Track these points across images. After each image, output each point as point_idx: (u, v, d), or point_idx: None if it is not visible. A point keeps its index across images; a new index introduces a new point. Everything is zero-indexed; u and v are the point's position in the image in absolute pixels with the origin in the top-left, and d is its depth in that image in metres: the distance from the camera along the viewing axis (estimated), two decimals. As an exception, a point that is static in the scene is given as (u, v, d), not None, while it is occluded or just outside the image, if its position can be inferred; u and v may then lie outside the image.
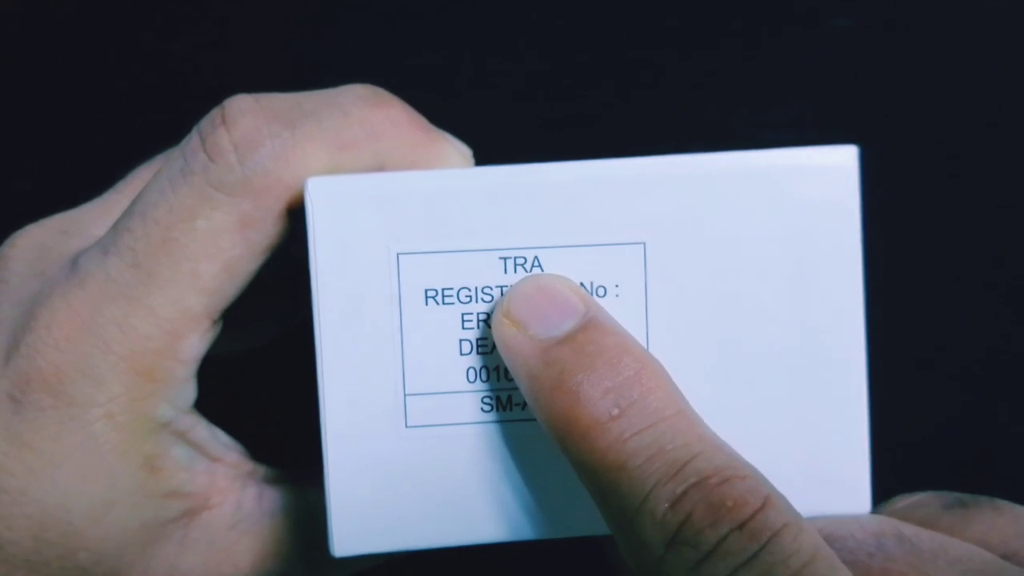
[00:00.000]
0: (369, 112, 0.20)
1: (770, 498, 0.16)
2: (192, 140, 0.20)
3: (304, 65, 0.31)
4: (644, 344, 0.19)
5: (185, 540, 0.21)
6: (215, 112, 0.20)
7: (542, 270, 0.19)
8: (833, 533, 0.18)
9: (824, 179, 0.19)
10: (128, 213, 0.20)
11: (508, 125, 0.31)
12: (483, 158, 0.23)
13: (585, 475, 0.18)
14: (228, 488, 0.22)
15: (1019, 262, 0.32)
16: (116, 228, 0.20)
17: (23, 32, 0.32)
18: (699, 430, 0.17)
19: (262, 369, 0.28)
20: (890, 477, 0.22)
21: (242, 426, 0.23)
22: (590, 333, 0.18)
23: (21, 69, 0.32)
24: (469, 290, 0.19)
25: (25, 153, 0.32)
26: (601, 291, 0.19)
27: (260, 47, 0.31)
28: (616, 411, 0.17)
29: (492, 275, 0.19)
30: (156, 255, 0.20)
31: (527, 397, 0.19)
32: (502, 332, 0.19)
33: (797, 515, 0.17)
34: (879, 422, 0.20)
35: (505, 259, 0.19)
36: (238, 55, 0.31)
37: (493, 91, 0.31)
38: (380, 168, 0.20)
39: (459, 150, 0.21)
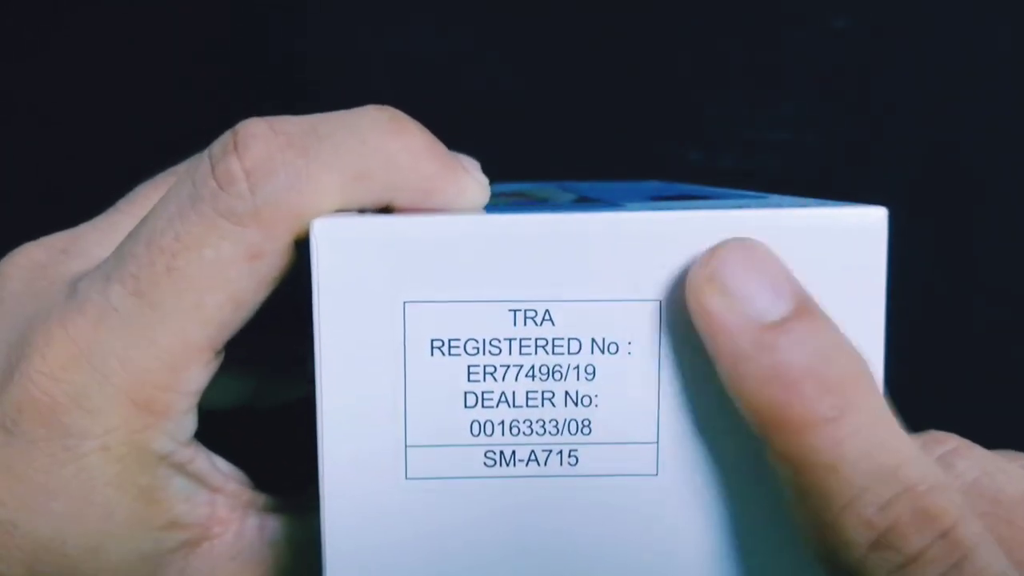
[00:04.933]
0: (386, 140, 0.19)
1: (963, 510, 0.17)
2: (203, 166, 0.19)
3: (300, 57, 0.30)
4: (655, 406, 0.19)
5: (186, 571, 0.21)
6: (227, 137, 0.19)
7: (553, 324, 0.19)
8: (984, 489, 0.19)
9: (851, 241, 0.19)
10: (133, 238, 0.20)
11: (506, 125, 0.31)
12: (480, 156, 0.22)
13: (787, 466, 0.17)
14: (229, 518, 0.21)
15: (1020, 264, 0.32)
16: (120, 253, 0.20)
17: (21, 47, 0.31)
18: (903, 436, 0.17)
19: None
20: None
21: (242, 452, 0.23)
22: (806, 323, 0.17)
23: (22, 83, 0.31)
24: (476, 342, 0.19)
25: (23, 170, 0.31)
26: (613, 348, 0.19)
27: (262, 51, 0.30)
28: (834, 413, 0.17)
29: (501, 327, 0.19)
30: (160, 284, 0.19)
31: (724, 371, 0.18)
32: (707, 300, 0.17)
33: (984, 530, 0.17)
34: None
35: (515, 311, 0.19)
36: (247, 65, 0.31)
37: (491, 89, 0.31)
38: (393, 197, 0.20)
39: (477, 180, 0.20)
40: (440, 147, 0.20)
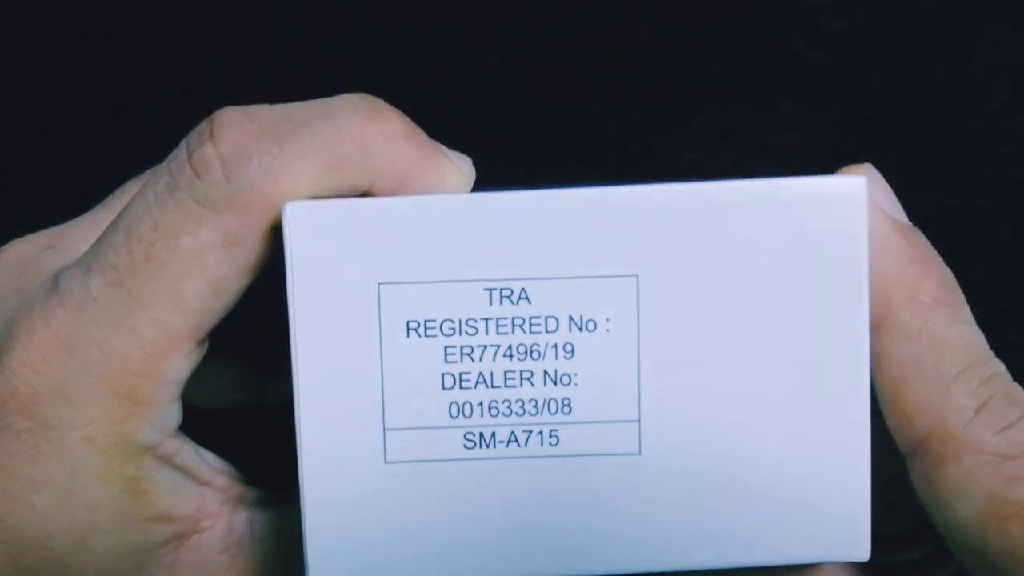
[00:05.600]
0: (363, 126, 0.19)
1: None
2: (179, 155, 0.19)
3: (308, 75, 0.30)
4: (636, 383, 0.19)
5: (175, 565, 0.21)
6: (203, 125, 0.19)
7: (529, 302, 0.19)
8: None
9: (831, 211, 0.18)
10: (112, 229, 0.20)
11: (503, 125, 0.31)
12: (480, 155, 0.22)
13: (909, 338, 0.19)
14: (218, 511, 0.21)
15: (1021, 262, 0.32)
16: (99, 244, 0.20)
17: (18, 38, 0.31)
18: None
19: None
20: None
21: (234, 448, 0.23)
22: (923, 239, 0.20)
23: (14, 78, 0.31)
24: (453, 322, 0.19)
25: (14, 165, 0.31)
26: (591, 325, 0.19)
27: (264, 54, 0.31)
28: (952, 300, 0.20)
29: (477, 307, 0.19)
30: (138, 273, 0.19)
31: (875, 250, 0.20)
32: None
33: None
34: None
35: (490, 290, 0.19)
36: (243, 64, 0.31)
37: (491, 89, 0.31)
38: (371, 183, 0.20)
39: (459, 167, 0.20)
40: (419, 133, 0.20)
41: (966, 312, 0.20)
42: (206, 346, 0.20)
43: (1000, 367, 0.20)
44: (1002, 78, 0.32)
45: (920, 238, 0.20)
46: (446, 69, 0.30)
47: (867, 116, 0.32)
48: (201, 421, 0.22)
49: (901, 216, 0.20)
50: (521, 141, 0.30)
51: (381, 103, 0.20)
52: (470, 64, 0.30)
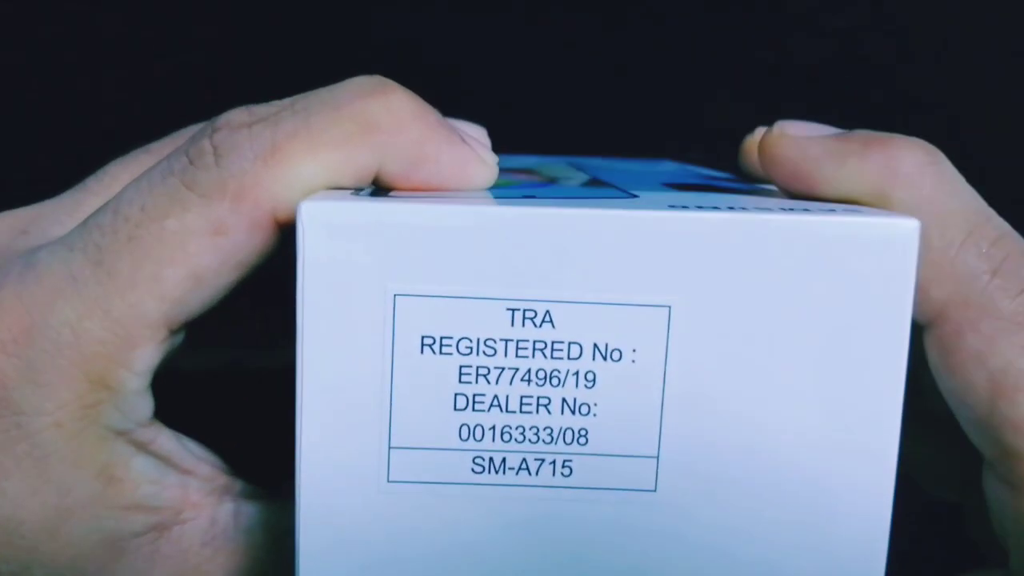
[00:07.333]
0: (364, 103, 0.18)
1: None
2: (180, 148, 0.19)
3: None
4: (658, 419, 0.18)
5: (155, 556, 0.20)
6: (207, 123, 0.19)
7: (553, 326, 0.18)
8: None
9: (878, 253, 0.17)
10: (102, 210, 0.19)
11: (504, 126, 0.30)
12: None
13: (909, 212, 0.18)
14: (202, 502, 0.21)
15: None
16: (86, 224, 0.19)
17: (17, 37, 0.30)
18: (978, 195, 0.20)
19: (244, 380, 0.26)
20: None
21: (223, 440, 0.22)
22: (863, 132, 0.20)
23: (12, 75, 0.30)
24: (470, 341, 0.18)
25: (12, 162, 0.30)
26: (616, 354, 0.18)
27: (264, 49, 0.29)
28: (932, 159, 0.19)
29: (497, 327, 0.18)
30: (120, 253, 0.18)
31: (836, 166, 0.19)
32: (786, 136, 0.20)
33: None
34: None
35: (513, 310, 0.18)
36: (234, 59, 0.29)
37: (489, 88, 0.30)
38: (381, 163, 0.19)
39: (482, 156, 0.19)
40: (431, 112, 0.19)
41: (949, 168, 0.19)
42: (181, 336, 0.20)
43: (1005, 226, 0.19)
44: (1006, 77, 0.31)
45: (860, 132, 0.20)
46: (448, 69, 0.29)
47: (868, 115, 0.32)
48: (188, 410, 0.21)
49: (832, 131, 0.20)
50: (524, 143, 0.29)
51: (388, 81, 0.19)
52: (470, 65, 0.29)
